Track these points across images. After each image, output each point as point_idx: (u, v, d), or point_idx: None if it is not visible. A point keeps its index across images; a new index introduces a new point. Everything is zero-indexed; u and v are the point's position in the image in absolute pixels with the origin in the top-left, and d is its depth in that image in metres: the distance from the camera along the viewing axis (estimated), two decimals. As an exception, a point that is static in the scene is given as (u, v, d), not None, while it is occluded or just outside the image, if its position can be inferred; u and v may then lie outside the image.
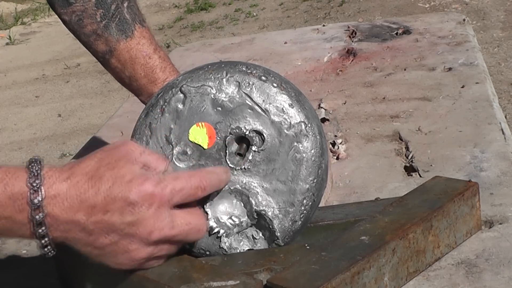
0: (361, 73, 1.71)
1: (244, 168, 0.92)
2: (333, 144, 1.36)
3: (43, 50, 6.40)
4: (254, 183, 0.92)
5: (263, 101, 0.92)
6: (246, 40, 2.14)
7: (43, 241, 0.80)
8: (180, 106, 0.93)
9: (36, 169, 0.78)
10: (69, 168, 0.80)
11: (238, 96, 0.93)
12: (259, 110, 0.92)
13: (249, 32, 5.72)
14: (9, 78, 5.86)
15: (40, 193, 0.77)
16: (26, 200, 0.77)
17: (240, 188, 0.92)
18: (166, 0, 7.52)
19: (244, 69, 0.93)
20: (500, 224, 1.01)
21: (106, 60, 1.21)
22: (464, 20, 1.93)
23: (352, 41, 1.93)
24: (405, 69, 1.68)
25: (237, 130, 0.92)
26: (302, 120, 0.92)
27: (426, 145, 1.30)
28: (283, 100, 0.93)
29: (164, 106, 0.94)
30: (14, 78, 5.80)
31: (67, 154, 4.17)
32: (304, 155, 0.92)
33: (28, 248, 1.18)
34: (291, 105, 0.93)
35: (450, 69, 1.63)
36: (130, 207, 0.79)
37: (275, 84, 0.93)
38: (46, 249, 0.81)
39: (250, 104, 0.92)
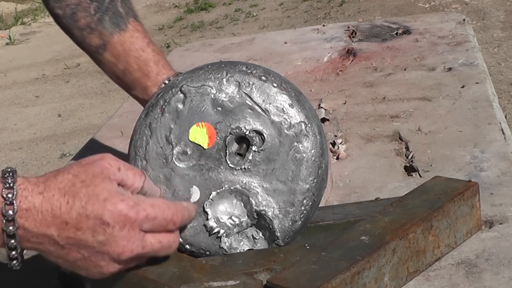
0: (361, 73, 1.71)
1: (244, 168, 0.92)
2: (333, 144, 1.36)
3: (43, 50, 6.41)
4: (254, 183, 0.92)
5: (263, 101, 0.92)
6: (246, 40, 2.14)
7: (12, 253, 0.79)
8: (180, 106, 0.93)
9: (10, 181, 0.78)
10: (44, 181, 0.79)
11: (238, 96, 0.93)
12: (259, 110, 0.92)
13: (249, 32, 5.71)
14: (9, 78, 5.86)
15: (13, 206, 0.77)
16: (0, 211, 0.77)
17: (240, 188, 0.92)
18: (166, 0, 7.52)
19: (244, 69, 0.94)
20: (500, 224, 1.01)
21: (99, 55, 1.19)
22: (464, 20, 1.93)
23: (352, 41, 1.93)
24: (405, 69, 1.68)
25: (237, 130, 0.92)
26: (302, 120, 0.92)
27: (426, 145, 1.30)
28: (283, 100, 0.93)
29: (164, 106, 0.94)
30: (14, 78, 5.80)
31: (67, 154, 4.17)
32: (304, 155, 0.92)
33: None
34: (291, 105, 0.93)
35: (450, 69, 1.63)
36: (103, 226, 0.78)
37: (275, 84, 0.93)
38: (13, 262, 0.81)
39: (250, 104, 0.92)
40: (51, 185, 0.79)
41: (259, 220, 0.92)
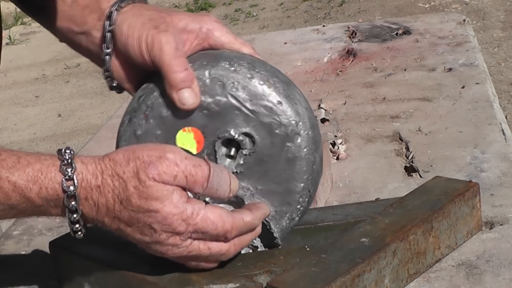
0: (361, 74, 1.71)
1: (237, 172, 0.89)
2: (333, 144, 1.35)
3: (43, 50, 6.40)
4: (248, 185, 0.90)
5: (250, 101, 0.88)
6: (246, 40, 2.13)
7: (75, 227, 0.83)
8: (164, 111, 0.89)
9: (70, 172, 0.80)
10: (101, 173, 0.81)
11: (223, 97, 0.88)
12: (247, 112, 0.88)
13: (249, 32, 5.71)
14: (9, 78, 5.86)
15: (74, 198, 0.80)
16: (62, 202, 0.80)
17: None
18: (166, 0, 7.52)
19: (227, 66, 0.89)
20: (501, 225, 1.01)
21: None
22: (464, 20, 1.93)
23: (352, 42, 1.93)
24: (405, 70, 1.68)
25: (225, 134, 0.89)
26: (292, 118, 0.88)
27: (426, 145, 1.30)
28: (271, 98, 0.88)
29: (147, 112, 0.89)
30: (14, 78, 5.80)
31: (67, 154, 4.16)
32: (297, 154, 0.89)
33: (27, 248, 1.18)
34: (279, 103, 0.88)
35: (450, 69, 1.62)
36: (151, 231, 0.81)
37: (261, 82, 0.89)
38: (77, 232, 0.84)
39: (237, 105, 0.88)
40: (108, 180, 0.80)
41: None
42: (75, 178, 0.80)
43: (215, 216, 0.81)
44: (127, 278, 0.88)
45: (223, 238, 0.82)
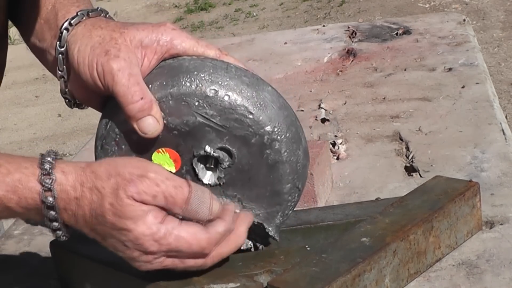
0: (361, 74, 1.71)
1: (220, 184, 0.88)
2: (333, 144, 1.36)
3: (42, 50, 6.40)
4: (235, 194, 0.88)
5: (219, 116, 0.84)
6: (246, 40, 2.14)
7: (57, 233, 0.83)
8: (133, 136, 0.85)
9: (49, 182, 0.79)
10: (80, 185, 0.80)
11: (191, 116, 0.84)
12: (218, 127, 0.85)
13: (249, 32, 5.71)
14: (9, 78, 5.85)
15: (54, 209, 0.80)
16: (41, 211, 0.80)
17: (222, 202, 0.86)
18: (166, 0, 7.52)
19: (188, 84, 0.84)
20: (501, 224, 1.01)
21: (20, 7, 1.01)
22: (464, 20, 1.93)
23: (352, 42, 1.93)
24: (405, 70, 1.68)
25: (201, 152, 0.86)
26: (266, 125, 0.85)
27: (427, 145, 1.30)
28: (240, 110, 0.84)
29: (117, 139, 0.86)
30: (14, 78, 5.80)
31: (67, 154, 4.17)
32: (278, 159, 0.86)
33: (28, 248, 1.18)
34: (250, 113, 0.84)
35: (450, 69, 1.62)
36: (124, 247, 0.80)
37: (226, 96, 0.84)
38: (58, 232, 0.83)
39: (207, 122, 0.84)
40: (86, 194, 0.79)
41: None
42: (54, 189, 0.79)
43: (188, 235, 0.79)
44: (127, 278, 0.88)
45: (200, 255, 0.81)
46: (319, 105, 1.56)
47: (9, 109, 5.19)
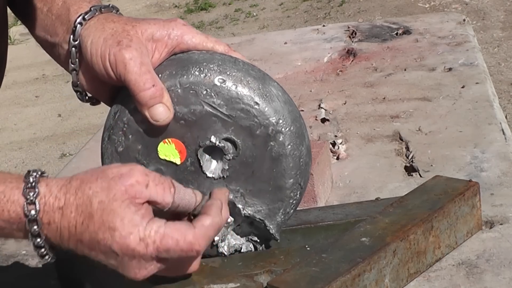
0: (361, 74, 1.71)
1: (224, 176, 0.89)
2: (333, 144, 1.36)
3: (43, 50, 6.40)
4: (237, 188, 0.89)
5: (226, 106, 0.86)
6: (246, 40, 2.14)
7: (40, 251, 0.81)
8: (141, 126, 0.87)
9: (32, 195, 0.78)
10: (65, 193, 0.79)
11: (198, 106, 0.86)
12: (224, 117, 0.86)
13: (249, 32, 5.71)
14: (9, 78, 5.85)
15: (36, 222, 0.79)
16: (24, 225, 0.79)
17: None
18: (166, 0, 7.52)
19: (197, 73, 0.86)
20: (501, 224, 1.01)
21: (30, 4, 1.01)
22: (464, 20, 1.93)
23: (352, 42, 1.93)
24: (405, 69, 1.68)
25: (206, 142, 0.87)
26: (271, 117, 0.87)
27: (427, 145, 1.30)
28: (246, 100, 0.86)
29: (125, 129, 0.88)
30: (14, 78, 5.79)
31: (67, 154, 4.16)
32: (281, 152, 0.88)
33: (28, 248, 1.18)
34: (256, 103, 0.86)
35: (450, 69, 1.63)
36: (113, 254, 0.79)
37: (234, 84, 0.86)
38: (45, 258, 0.82)
39: (213, 112, 0.86)
40: (71, 199, 0.79)
41: (251, 221, 0.91)
42: (37, 202, 0.78)
43: (174, 231, 0.79)
44: (128, 278, 0.88)
45: (191, 252, 0.79)
46: (319, 105, 1.56)
47: (9, 109, 5.19)
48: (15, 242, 1.21)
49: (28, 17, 1.01)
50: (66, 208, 0.79)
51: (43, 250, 0.80)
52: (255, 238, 0.92)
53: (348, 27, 2.03)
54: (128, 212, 0.78)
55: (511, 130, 1.33)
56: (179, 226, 0.79)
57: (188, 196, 0.82)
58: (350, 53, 1.85)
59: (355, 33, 1.97)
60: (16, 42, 6.70)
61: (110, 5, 0.95)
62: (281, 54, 1.93)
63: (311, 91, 1.65)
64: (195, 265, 0.83)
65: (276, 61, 1.86)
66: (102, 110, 4.64)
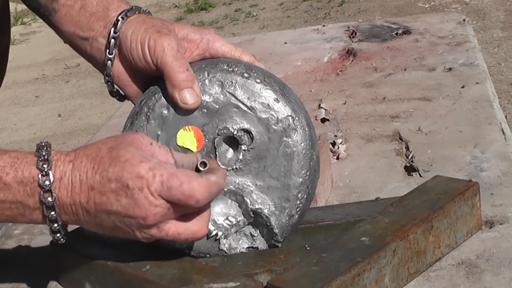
0: (361, 73, 1.71)
1: (236, 168, 0.92)
2: (333, 144, 1.36)
3: (43, 50, 6.40)
4: (247, 182, 0.92)
5: (248, 98, 0.92)
6: (246, 40, 2.14)
7: (54, 226, 0.84)
8: (165, 111, 0.92)
9: (45, 153, 0.82)
10: (75, 151, 0.84)
11: (222, 96, 0.92)
12: (245, 108, 0.92)
13: (249, 32, 5.71)
14: (9, 78, 5.85)
15: (49, 176, 0.82)
16: (37, 183, 0.82)
17: (233, 188, 0.92)
18: (166, 0, 7.52)
19: (225, 67, 0.93)
20: (501, 224, 1.01)
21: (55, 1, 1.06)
22: (464, 20, 1.93)
23: (352, 41, 1.93)
24: (405, 69, 1.68)
25: (224, 131, 0.92)
26: (289, 114, 0.92)
27: (426, 145, 1.30)
28: (268, 95, 0.92)
29: (148, 113, 0.93)
30: (14, 78, 5.80)
31: (67, 154, 4.16)
32: (294, 149, 0.92)
33: (28, 248, 1.18)
34: (276, 100, 0.92)
35: (450, 69, 1.63)
36: (124, 189, 0.80)
37: (258, 80, 0.92)
38: (57, 236, 0.85)
39: (235, 103, 0.92)
40: (80, 152, 0.83)
41: (256, 218, 0.92)
42: (49, 158, 0.82)
43: (180, 173, 0.81)
44: (127, 277, 0.88)
45: (191, 200, 0.81)
46: (319, 105, 1.56)
47: (9, 109, 5.19)
48: (15, 242, 1.21)
49: (52, 14, 1.06)
50: (76, 159, 0.83)
51: (53, 213, 0.82)
52: (256, 246, 0.93)
53: (348, 27, 2.04)
54: (137, 149, 0.82)
55: (511, 130, 1.33)
56: (188, 172, 0.83)
57: (188, 158, 0.87)
58: (350, 53, 1.85)
59: (355, 33, 1.98)
60: (16, 42, 6.71)
61: (147, 10, 1.03)
62: (281, 54, 1.93)
63: (311, 91, 1.65)
64: (202, 227, 0.84)
65: (276, 61, 1.87)
66: (102, 110, 4.67)
